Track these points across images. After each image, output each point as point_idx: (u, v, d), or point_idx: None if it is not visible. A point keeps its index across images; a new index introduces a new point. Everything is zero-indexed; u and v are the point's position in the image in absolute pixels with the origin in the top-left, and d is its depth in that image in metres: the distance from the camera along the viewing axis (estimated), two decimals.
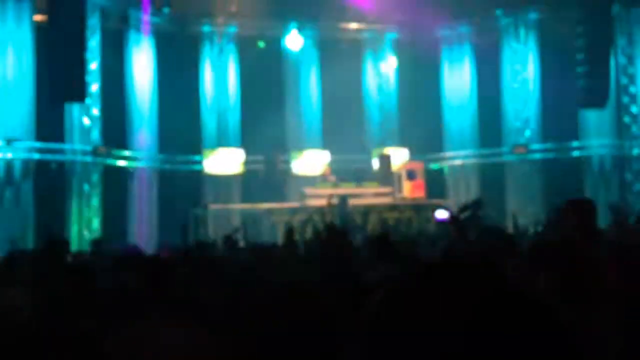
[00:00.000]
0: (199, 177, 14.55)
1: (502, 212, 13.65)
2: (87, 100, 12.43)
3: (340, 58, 15.43)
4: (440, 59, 16.25)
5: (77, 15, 11.60)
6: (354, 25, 16.04)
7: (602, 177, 14.73)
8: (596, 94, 13.81)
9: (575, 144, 14.90)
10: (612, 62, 14.38)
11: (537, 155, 14.97)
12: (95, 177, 13.02)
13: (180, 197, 13.61)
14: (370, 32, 16.18)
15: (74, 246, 11.42)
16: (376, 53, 16.39)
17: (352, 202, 12.49)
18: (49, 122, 12.60)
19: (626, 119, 14.75)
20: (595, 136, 14.80)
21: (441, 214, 9.51)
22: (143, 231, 13.24)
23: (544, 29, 15.10)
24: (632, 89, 14.84)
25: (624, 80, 14.82)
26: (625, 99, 14.78)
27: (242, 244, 7.94)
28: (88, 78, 12.36)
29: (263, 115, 14.58)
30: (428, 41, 16.04)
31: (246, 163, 14.57)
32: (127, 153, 13.82)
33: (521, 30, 15.30)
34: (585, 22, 13.68)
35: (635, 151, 14.68)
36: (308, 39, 15.68)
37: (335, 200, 12.34)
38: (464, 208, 7.01)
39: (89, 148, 12.91)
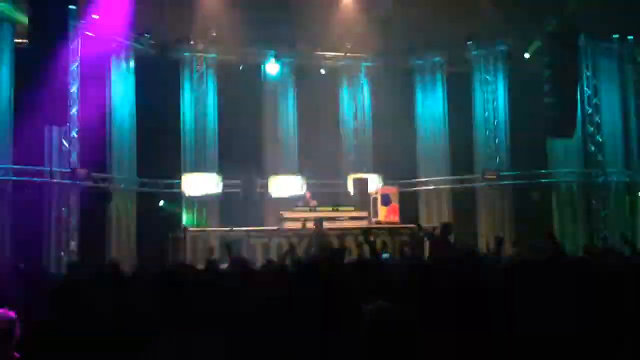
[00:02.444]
0: (178, 200, 14.66)
1: (474, 235, 14.10)
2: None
3: (316, 85, 15.81)
4: (414, 87, 16.74)
5: (58, 39, 11.77)
6: (330, 54, 16.44)
7: (568, 203, 15.26)
8: (563, 124, 14.39)
9: (543, 171, 15.42)
10: (578, 93, 15.03)
11: (507, 182, 15.45)
12: (73, 200, 13.04)
13: (159, 220, 13.72)
14: (346, 60, 16.60)
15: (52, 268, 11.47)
16: (351, 80, 16.80)
17: (328, 225, 12.70)
18: (27, 145, 12.62)
19: (592, 148, 15.34)
20: (562, 164, 15.36)
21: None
22: (122, 254, 13.25)
23: (512, 60, 15.70)
24: (596, 119, 15.47)
25: (589, 110, 15.45)
26: (590, 129, 15.39)
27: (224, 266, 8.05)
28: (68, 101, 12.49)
29: (241, 140, 14.83)
30: (402, 70, 16.55)
31: (224, 186, 14.73)
32: (106, 175, 13.88)
33: (491, 62, 15.89)
34: (552, 54, 14.31)
35: (601, 179, 15.25)
36: (286, 66, 16.02)
37: (309, 224, 12.53)
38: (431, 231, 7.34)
39: (67, 170, 12.96)
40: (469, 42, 15.90)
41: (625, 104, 15.74)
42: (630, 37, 15.46)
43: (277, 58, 15.75)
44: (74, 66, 13.04)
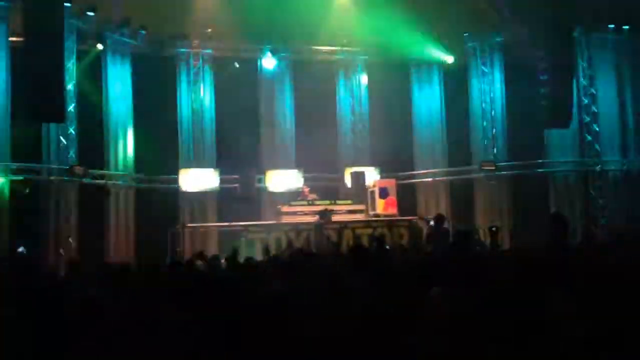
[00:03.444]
0: (176, 196, 14.70)
1: (471, 226, 14.15)
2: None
3: (313, 79, 15.81)
4: (411, 80, 16.74)
5: (54, 36, 11.79)
6: (326, 48, 16.45)
7: (566, 192, 15.30)
8: (559, 114, 14.42)
9: (540, 160, 15.45)
10: (574, 84, 15.04)
11: (505, 172, 15.47)
12: (72, 196, 13.08)
13: (157, 216, 13.76)
14: (342, 54, 16.60)
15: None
16: (348, 74, 16.81)
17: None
18: (25, 142, 12.69)
19: (588, 138, 15.37)
20: (559, 154, 15.38)
21: None
22: (120, 249, 13.30)
23: (508, 51, 15.70)
24: (593, 109, 15.48)
25: (586, 101, 15.46)
26: (587, 118, 15.41)
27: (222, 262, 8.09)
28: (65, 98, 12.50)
29: (238, 135, 14.86)
30: (399, 63, 16.55)
31: (222, 181, 14.77)
32: (103, 172, 13.92)
33: (487, 53, 15.89)
34: (548, 45, 14.31)
35: (597, 168, 15.28)
36: (282, 60, 16.03)
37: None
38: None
39: (65, 167, 13.00)
40: (465, 34, 15.89)
41: (621, 94, 15.74)
42: (625, 27, 15.46)
43: (274, 53, 15.76)
44: (70, 63, 13.07)
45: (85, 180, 13.29)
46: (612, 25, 15.42)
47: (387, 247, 10.17)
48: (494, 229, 7.51)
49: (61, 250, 12.62)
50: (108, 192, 13.50)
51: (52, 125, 12.81)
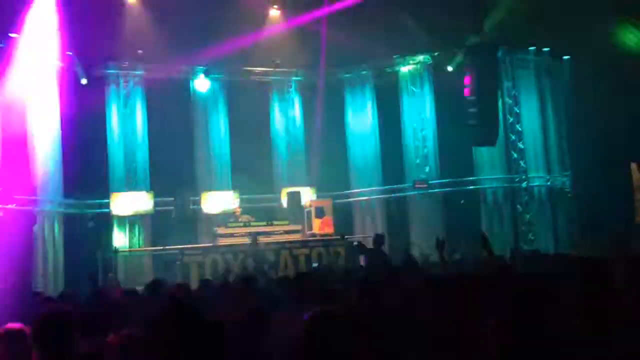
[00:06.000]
0: (108, 221, 14.27)
1: (407, 243, 14.44)
2: None
3: (247, 100, 15.80)
4: (344, 100, 17.00)
5: None
6: (259, 69, 16.48)
7: (495, 208, 15.84)
8: (486, 133, 14.97)
9: (470, 178, 15.95)
10: (500, 103, 15.67)
11: (437, 190, 15.87)
12: None
13: (88, 242, 13.30)
14: (275, 74, 16.68)
15: None
16: (282, 95, 16.90)
17: (263, 239, 12.73)
18: None
19: (514, 155, 16.00)
20: (487, 171, 15.94)
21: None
22: (48, 277, 12.77)
23: (437, 72, 16.20)
24: (518, 127, 16.14)
25: (511, 119, 16.11)
26: (513, 137, 16.05)
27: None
28: None
29: (172, 157, 14.62)
30: (332, 84, 16.79)
31: (156, 204, 14.46)
32: (30, 197, 13.34)
33: (417, 74, 16.35)
34: (473, 66, 14.88)
35: (524, 184, 15.91)
36: (215, 81, 15.95)
37: (249, 239, 12.49)
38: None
39: None
40: (395, 56, 16.30)
41: (543, 112, 16.51)
42: (545, 49, 16.26)
43: (207, 74, 15.66)
44: None
45: (10, 206, 12.70)
46: (534, 47, 16.20)
47: None
48: (441, 240, 7.36)
49: None
50: (34, 218, 12.96)
51: None
